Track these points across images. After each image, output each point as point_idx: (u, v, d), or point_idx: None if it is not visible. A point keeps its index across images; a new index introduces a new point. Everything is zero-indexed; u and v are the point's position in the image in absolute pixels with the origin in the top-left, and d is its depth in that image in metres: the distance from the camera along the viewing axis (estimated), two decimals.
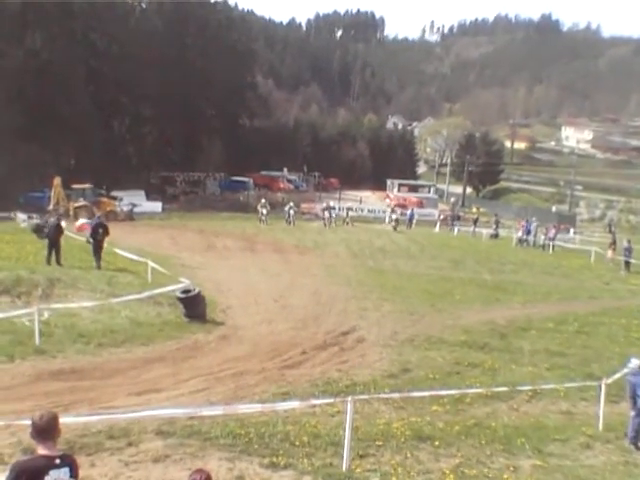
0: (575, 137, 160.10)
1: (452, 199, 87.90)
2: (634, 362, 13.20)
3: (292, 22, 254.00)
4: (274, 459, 10.62)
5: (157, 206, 55.89)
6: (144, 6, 75.99)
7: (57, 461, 5.58)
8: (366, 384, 15.05)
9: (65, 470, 5.62)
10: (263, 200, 52.83)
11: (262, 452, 10.89)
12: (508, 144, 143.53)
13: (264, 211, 50.32)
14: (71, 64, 60.10)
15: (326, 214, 52.21)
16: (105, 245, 27.07)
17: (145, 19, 72.59)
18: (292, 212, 51.42)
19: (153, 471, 10.08)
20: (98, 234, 26.66)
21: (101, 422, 11.22)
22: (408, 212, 58.54)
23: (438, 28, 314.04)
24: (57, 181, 46.80)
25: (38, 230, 34.21)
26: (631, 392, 13.08)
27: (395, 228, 49.85)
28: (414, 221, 55.69)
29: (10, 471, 5.56)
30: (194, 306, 20.62)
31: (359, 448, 11.26)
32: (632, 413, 13.00)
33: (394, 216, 52.47)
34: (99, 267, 25.76)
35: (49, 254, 26.11)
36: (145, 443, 10.99)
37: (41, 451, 5.59)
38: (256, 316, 21.84)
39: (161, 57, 65.93)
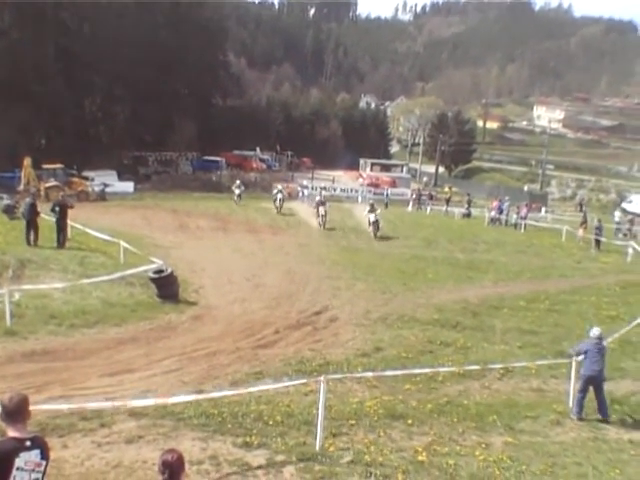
0: (547, 117, 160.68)
1: (424, 178, 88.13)
2: (594, 332, 13.40)
3: (264, 1, 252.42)
4: (247, 439, 10.66)
5: (129, 186, 55.43)
6: None
7: (28, 443, 5.54)
8: (339, 363, 15.12)
9: (36, 452, 5.58)
10: (238, 181, 51.73)
11: (235, 432, 10.93)
12: (480, 123, 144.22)
13: (237, 191, 49.33)
14: (41, 43, 59.29)
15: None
16: (69, 224, 27.03)
17: None
18: (280, 196, 45.78)
19: (126, 452, 10.08)
20: (55, 212, 26.60)
21: (73, 404, 11.16)
22: (384, 192, 58.69)
23: (411, 7, 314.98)
24: (27, 161, 46.27)
25: (8, 211, 33.91)
26: (575, 350, 13.39)
27: (375, 235, 36.86)
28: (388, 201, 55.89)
29: None
30: (167, 286, 20.54)
31: (332, 427, 11.33)
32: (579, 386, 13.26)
33: (373, 218, 37.24)
34: (57, 246, 25.73)
35: (28, 234, 25.96)
36: (118, 424, 10.98)
37: (11, 433, 5.54)
38: (229, 296, 21.79)
39: (133, 36, 65.09)
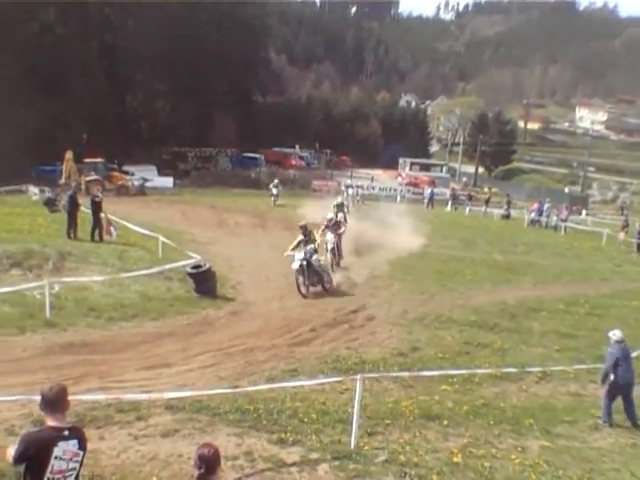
0: (589, 118, 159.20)
1: (464, 178, 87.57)
2: (616, 334, 13.18)
3: None
4: (282, 435, 10.67)
5: (169, 181, 55.86)
6: None
7: (66, 433, 5.61)
8: (375, 362, 15.06)
9: (74, 442, 5.64)
10: (276, 180, 49.96)
11: (270, 428, 10.94)
12: (521, 124, 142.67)
13: (274, 191, 47.42)
14: (85, 38, 59.95)
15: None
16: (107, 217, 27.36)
17: None
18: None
19: (162, 445, 10.14)
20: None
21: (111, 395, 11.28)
22: (427, 191, 58.32)
23: (453, 6, 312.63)
24: (69, 155, 46.75)
25: (49, 204, 34.34)
26: (609, 364, 13.06)
27: (337, 264, 25.91)
28: (434, 200, 55.87)
29: (20, 442, 5.59)
30: (204, 282, 20.64)
31: (367, 426, 11.30)
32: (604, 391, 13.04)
33: (330, 243, 25.93)
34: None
35: (69, 227, 26.28)
36: (154, 417, 11.06)
37: (50, 423, 5.61)
38: (267, 292, 21.84)
39: (175, 32, 65.49)
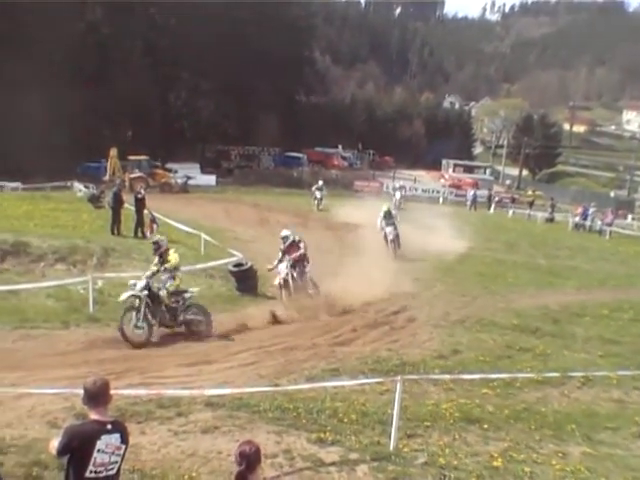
0: (637, 121, 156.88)
1: (507, 181, 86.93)
2: None
3: None
4: (322, 435, 10.64)
5: (211, 179, 56.34)
6: None
7: (109, 427, 5.66)
8: (416, 364, 14.96)
9: (116, 436, 5.70)
10: (320, 182, 46.12)
11: (310, 427, 10.92)
12: (567, 127, 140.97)
13: (318, 194, 44.31)
14: (130, 38, 60.67)
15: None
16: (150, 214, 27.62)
17: None
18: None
19: (202, 442, 10.17)
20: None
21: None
22: (470, 193, 57.96)
23: (499, 7, 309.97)
24: (113, 152, 47.41)
25: (93, 200, 34.81)
26: None
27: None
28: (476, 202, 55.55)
29: (63, 434, 5.66)
30: (246, 280, 20.75)
31: (407, 428, 11.22)
32: None
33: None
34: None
35: (113, 223, 26.63)
36: (194, 414, 11.10)
37: (93, 416, 5.67)
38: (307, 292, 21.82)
39: (218, 31, 65.96)
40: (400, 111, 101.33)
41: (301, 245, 20.33)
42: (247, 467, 5.53)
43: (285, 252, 20.32)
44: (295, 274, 19.74)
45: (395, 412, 10.61)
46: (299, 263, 19.97)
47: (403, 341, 17.07)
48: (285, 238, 20.45)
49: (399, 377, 11.02)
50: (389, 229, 25.54)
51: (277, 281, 19.53)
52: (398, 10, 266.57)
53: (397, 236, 26.41)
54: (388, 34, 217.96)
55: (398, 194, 47.54)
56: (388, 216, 29.08)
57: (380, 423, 11.26)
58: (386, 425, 10.95)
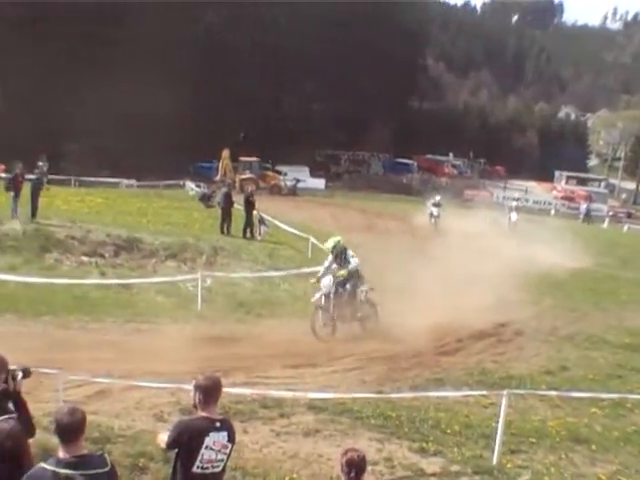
0: None
1: (623, 195, 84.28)
2: None
3: (467, 5, 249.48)
4: (424, 444, 10.53)
5: (320, 183, 56.76)
6: None
7: (217, 424, 5.73)
8: (522, 378, 14.65)
9: (224, 434, 5.75)
10: (437, 197, 39.63)
11: (412, 436, 10.82)
12: None
13: (435, 211, 38.48)
14: (245, 40, 61.67)
15: (513, 215, 41.35)
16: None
17: None
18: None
19: (303, 444, 10.22)
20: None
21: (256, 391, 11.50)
22: (583, 207, 56.42)
23: (621, 15, 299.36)
24: (226, 153, 48.23)
25: (204, 199, 35.55)
26: None
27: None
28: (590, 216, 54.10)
29: (173, 428, 5.75)
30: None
31: (511, 443, 10.98)
32: None
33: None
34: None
35: (223, 223, 27.17)
36: (297, 416, 11.16)
37: (202, 413, 5.74)
38: (414, 300, 21.65)
39: (332, 35, 66.32)
40: (513, 120, 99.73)
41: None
42: (356, 475, 5.45)
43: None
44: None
45: (500, 426, 10.41)
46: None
47: (510, 354, 16.76)
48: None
49: (505, 391, 10.81)
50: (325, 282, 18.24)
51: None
52: (515, 17, 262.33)
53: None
54: (504, 41, 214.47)
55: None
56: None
57: (483, 436, 11.07)
58: (489, 439, 10.75)
